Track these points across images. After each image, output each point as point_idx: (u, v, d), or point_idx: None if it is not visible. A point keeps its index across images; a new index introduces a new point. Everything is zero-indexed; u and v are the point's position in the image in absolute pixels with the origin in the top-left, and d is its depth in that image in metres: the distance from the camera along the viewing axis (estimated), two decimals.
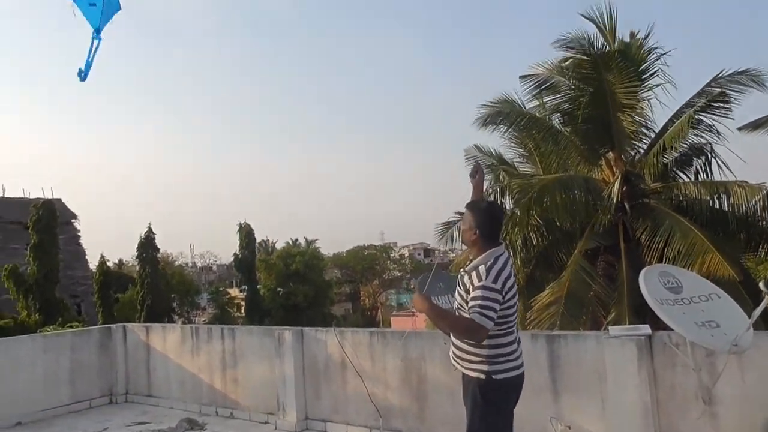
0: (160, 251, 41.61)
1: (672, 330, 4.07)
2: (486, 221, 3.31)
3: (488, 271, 3.13)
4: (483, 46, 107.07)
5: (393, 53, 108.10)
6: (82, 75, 4.31)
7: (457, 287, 3.31)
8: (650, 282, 4.22)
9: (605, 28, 11.16)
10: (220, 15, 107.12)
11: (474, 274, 3.17)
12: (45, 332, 13.12)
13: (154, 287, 35.97)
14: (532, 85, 11.91)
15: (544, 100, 12.00)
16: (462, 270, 3.35)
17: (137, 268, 38.63)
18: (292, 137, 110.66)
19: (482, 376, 3.18)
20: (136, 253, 37.68)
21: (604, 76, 10.51)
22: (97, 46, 3.90)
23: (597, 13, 11.14)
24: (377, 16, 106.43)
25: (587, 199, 10.78)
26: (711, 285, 4.50)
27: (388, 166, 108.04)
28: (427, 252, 75.31)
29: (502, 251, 3.27)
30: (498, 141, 13.48)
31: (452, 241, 12.87)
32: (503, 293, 3.10)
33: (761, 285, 3.86)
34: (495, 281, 3.08)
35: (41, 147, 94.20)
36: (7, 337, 9.01)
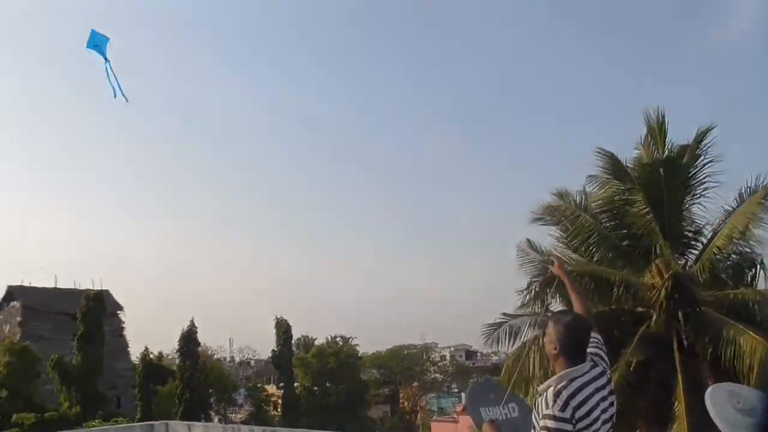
0: (201, 345, 41.92)
1: None
2: (566, 336, 3.04)
3: (556, 396, 2.91)
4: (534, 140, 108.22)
5: (431, 149, 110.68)
6: (116, 94, 5.67)
7: (534, 409, 3.13)
8: (718, 403, 4.07)
9: (657, 136, 11.54)
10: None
11: (543, 398, 2.99)
12: (90, 426, 13.19)
13: (194, 382, 35.87)
14: (595, 186, 12.11)
15: (594, 204, 12.16)
16: (538, 390, 3.16)
17: (177, 361, 38.73)
18: (336, 234, 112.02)
19: None
20: (177, 346, 37.97)
21: (651, 181, 10.72)
22: (110, 68, 5.43)
23: (653, 118, 11.59)
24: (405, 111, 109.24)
25: (634, 305, 10.62)
26: None
27: (431, 265, 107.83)
28: (470, 354, 73.19)
29: (583, 371, 3.01)
30: (550, 239, 13.23)
31: (498, 344, 12.56)
32: (573, 421, 2.86)
33: None
34: (563, 409, 2.87)
35: (88, 239, 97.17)
36: (49, 430, 9.13)
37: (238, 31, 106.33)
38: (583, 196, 12.47)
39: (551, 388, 2.95)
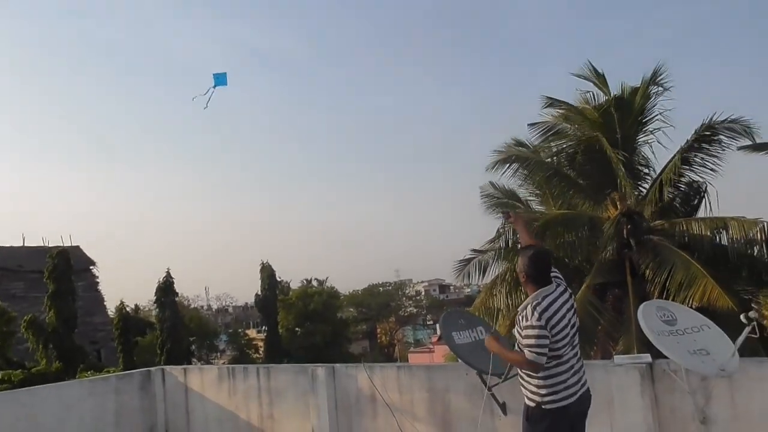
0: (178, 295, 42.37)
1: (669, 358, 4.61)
2: (531, 265, 3.74)
3: (533, 310, 3.59)
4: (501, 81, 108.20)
5: (405, 90, 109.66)
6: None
7: (515, 326, 3.83)
8: (648, 316, 4.78)
9: (599, 79, 12.39)
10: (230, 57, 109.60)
11: (523, 314, 3.69)
12: (83, 376, 13.62)
13: (174, 331, 36.48)
14: (540, 132, 12.90)
15: (551, 145, 12.81)
16: (518, 310, 3.87)
17: (155, 312, 39.19)
18: (296, 176, 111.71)
19: (532, 404, 3.72)
20: (155, 298, 38.34)
21: (604, 121, 11.36)
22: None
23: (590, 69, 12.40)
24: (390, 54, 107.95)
25: (592, 236, 11.46)
26: (702, 317, 5.03)
27: (403, 203, 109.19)
28: (443, 288, 75.50)
29: (551, 290, 3.69)
30: (513, 180, 14.00)
31: (469, 278, 13.44)
32: (548, 328, 3.55)
33: (742, 317, 4.42)
34: (539, 319, 3.55)
35: (54, 194, 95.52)
36: (37, 384, 9.44)
37: None
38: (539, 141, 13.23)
39: (529, 306, 3.67)
